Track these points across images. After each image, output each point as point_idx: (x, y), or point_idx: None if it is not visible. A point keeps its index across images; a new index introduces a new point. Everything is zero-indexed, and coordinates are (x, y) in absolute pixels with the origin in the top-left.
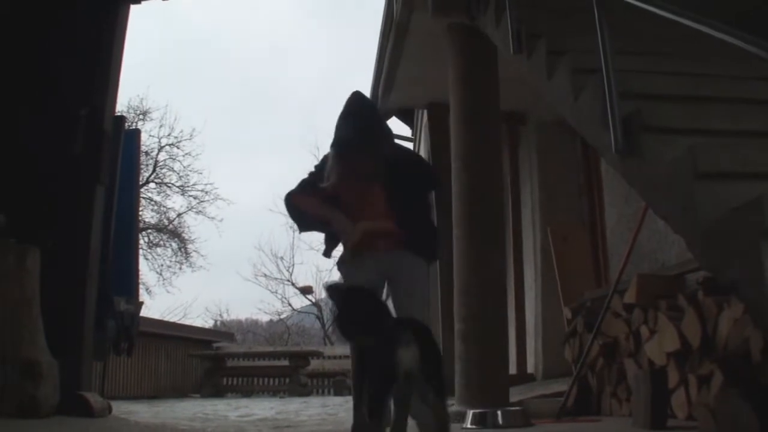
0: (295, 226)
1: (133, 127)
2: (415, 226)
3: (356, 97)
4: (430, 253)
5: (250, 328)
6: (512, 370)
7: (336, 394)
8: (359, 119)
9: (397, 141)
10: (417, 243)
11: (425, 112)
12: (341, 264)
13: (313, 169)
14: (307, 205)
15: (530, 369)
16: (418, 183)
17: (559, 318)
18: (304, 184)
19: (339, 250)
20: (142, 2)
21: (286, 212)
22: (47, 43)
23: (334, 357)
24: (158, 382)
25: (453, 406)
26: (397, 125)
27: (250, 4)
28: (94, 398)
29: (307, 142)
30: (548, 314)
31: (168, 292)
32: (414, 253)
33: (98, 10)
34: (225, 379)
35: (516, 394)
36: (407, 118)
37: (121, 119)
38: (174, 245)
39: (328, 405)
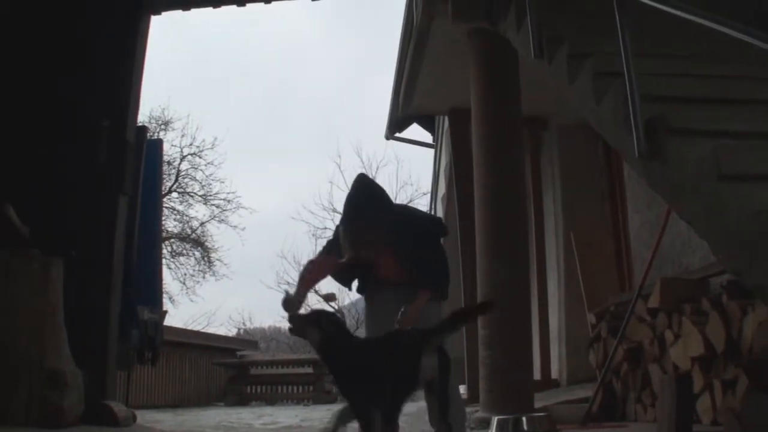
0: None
1: (156, 137)
2: (423, 269)
3: (358, 180)
4: (440, 292)
5: (273, 335)
6: (536, 375)
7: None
8: (361, 201)
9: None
10: (426, 282)
11: (446, 118)
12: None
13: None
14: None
15: (554, 374)
16: (422, 235)
17: (582, 323)
18: (327, 245)
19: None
20: (163, 13)
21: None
22: (70, 54)
23: None
24: (182, 391)
25: (478, 412)
26: (418, 132)
27: (269, 12)
28: (118, 407)
29: (328, 150)
30: (572, 319)
31: (191, 300)
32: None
33: (119, 22)
34: (249, 387)
35: (540, 400)
36: (428, 124)
37: (143, 129)
38: (197, 254)
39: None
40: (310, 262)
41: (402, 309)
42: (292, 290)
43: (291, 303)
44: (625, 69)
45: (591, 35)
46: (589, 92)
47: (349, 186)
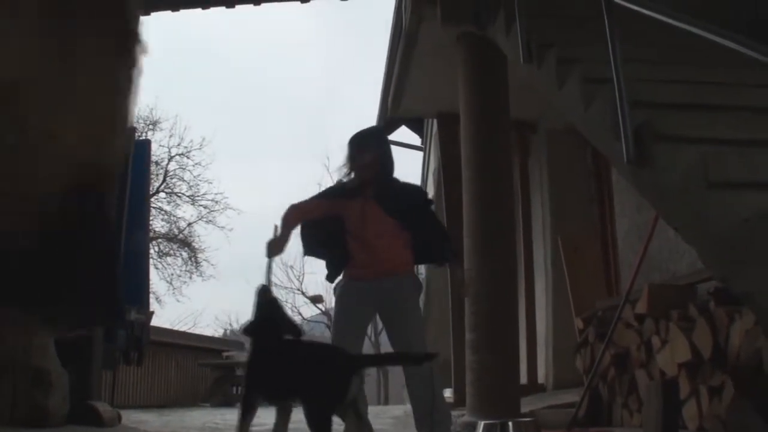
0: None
1: (144, 138)
2: (420, 228)
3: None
4: (442, 255)
5: None
6: (522, 380)
7: None
8: (366, 131)
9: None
10: (427, 247)
11: (435, 121)
12: (336, 289)
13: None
14: (302, 210)
15: (540, 379)
16: (412, 195)
17: (569, 328)
18: (316, 195)
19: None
20: (152, 13)
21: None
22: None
23: None
24: (168, 392)
25: (464, 416)
26: (407, 135)
27: (259, 14)
28: (103, 407)
29: (317, 152)
30: (559, 324)
31: (178, 301)
32: (427, 259)
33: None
34: (235, 388)
35: (527, 405)
36: (417, 127)
37: (132, 130)
38: (184, 254)
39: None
40: (292, 206)
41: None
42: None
43: (273, 246)
44: (614, 75)
45: (580, 41)
46: (577, 98)
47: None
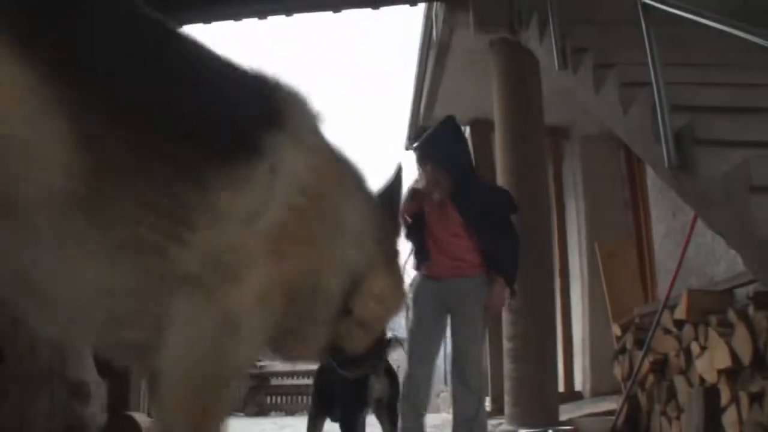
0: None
1: None
2: (492, 243)
3: (444, 120)
4: (508, 273)
5: None
6: (559, 387)
7: None
8: (423, 140)
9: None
10: (495, 261)
11: (468, 128)
12: (412, 286)
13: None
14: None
15: (578, 387)
16: (490, 200)
17: (606, 335)
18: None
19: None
20: (183, 27)
21: None
22: None
23: None
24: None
25: (502, 425)
26: None
27: (290, 24)
28: (141, 418)
29: None
30: (595, 331)
31: None
32: (494, 270)
33: None
34: (269, 398)
35: (565, 413)
36: None
37: None
38: None
39: (375, 423)
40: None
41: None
42: None
43: None
44: (653, 78)
45: (615, 45)
46: (615, 102)
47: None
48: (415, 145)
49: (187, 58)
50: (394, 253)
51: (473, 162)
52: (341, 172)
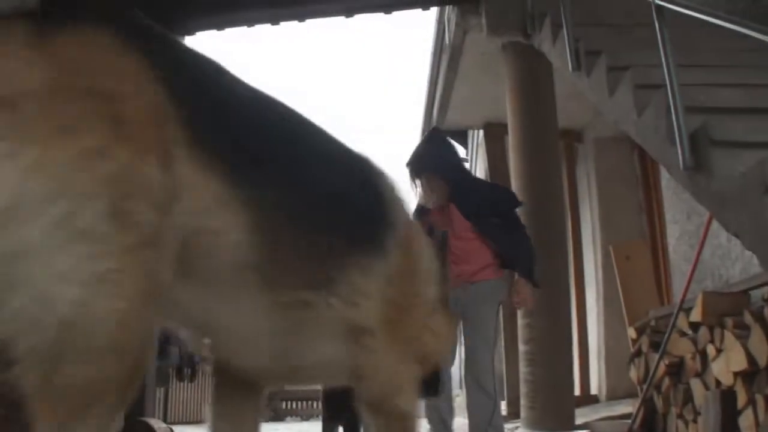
0: None
1: None
2: (503, 240)
3: (428, 133)
4: (524, 269)
5: None
6: (575, 391)
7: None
8: (419, 147)
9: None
10: (510, 259)
11: (481, 132)
12: None
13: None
14: None
15: (593, 390)
16: (491, 197)
17: (621, 338)
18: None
19: None
20: (197, 33)
21: None
22: None
23: None
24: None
25: (518, 429)
26: None
27: (303, 29)
28: (157, 424)
29: None
30: (610, 334)
31: None
32: (510, 268)
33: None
34: (284, 403)
35: (581, 417)
36: (461, 138)
37: None
38: None
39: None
40: None
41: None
42: None
43: None
44: (667, 80)
45: (628, 47)
46: (629, 104)
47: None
48: (406, 163)
49: (319, 151)
50: (446, 298)
51: (465, 165)
52: (419, 238)
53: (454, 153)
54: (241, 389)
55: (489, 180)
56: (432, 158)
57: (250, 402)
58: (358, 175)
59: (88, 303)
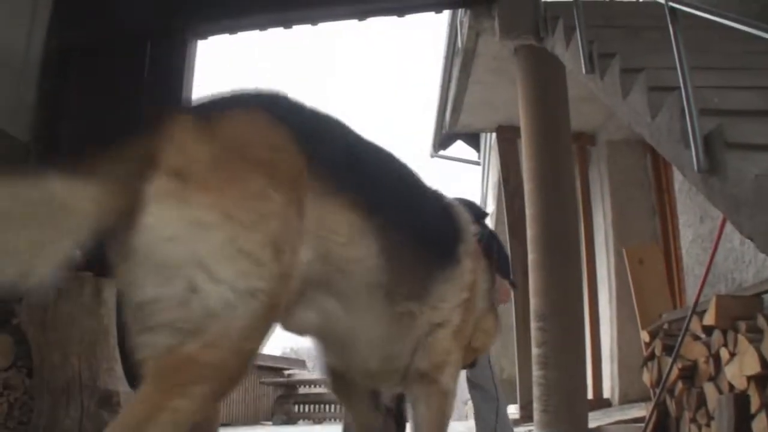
0: None
1: None
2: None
3: None
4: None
5: None
6: (588, 394)
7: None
8: None
9: None
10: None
11: (493, 135)
12: None
13: None
14: None
15: (606, 393)
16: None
17: (634, 341)
18: None
19: None
20: (209, 37)
21: None
22: (122, 81)
23: None
24: (231, 410)
25: (532, 431)
26: (463, 150)
27: (315, 32)
28: None
29: None
30: (623, 337)
31: None
32: None
33: (168, 48)
34: (297, 407)
35: (593, 420)
36: (473, 141)
37: None
38: None
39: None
40: None
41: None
42: None
43: None
44: (681, 83)
45: (641, 50)
46: (643, 107)
47: None
48: None
49: (414, 183)
50: (494, 298)
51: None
52: (478, 250)
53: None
54: (354, 388)
55: (503, 184)
56: None
57: (364, 397)
58: (439, 204)
59: (237, 309)
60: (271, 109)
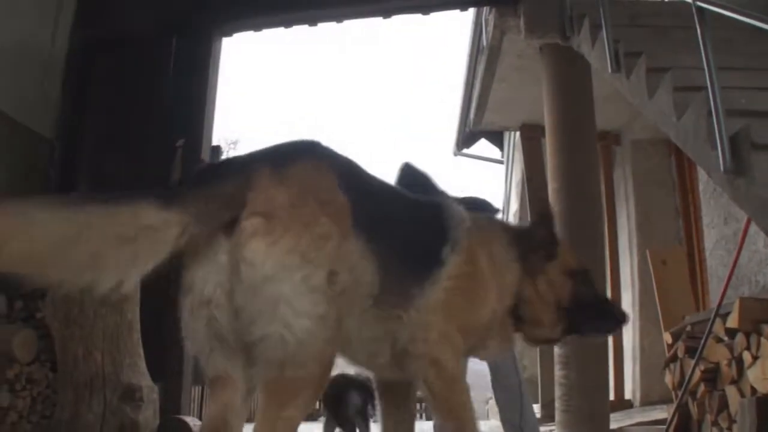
0: None
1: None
2: None
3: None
4: None
5: None
6: (610, 395)
7: (428, 418)
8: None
9: None
10: None
11: (517, 133)
12: None
13: None
14: None
15: (627, 395)
16: None
17: (657, 343)
18: None
19: None
20: (234, 35)
21: None
22: (146, 78)
23: None
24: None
25: (553, 431)
26: (486, 148)
27: (340, 30)
28: (193, 422)
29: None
30: (646, 338)
31: None
32: None
33: (193, 45)
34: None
35: (615, 422)
36: (496, 140)
37: (217, 149)
38: None
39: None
40: None
41: None
42: None
43: None
44: (708, 83)
45: (668, 49)
46: (669, 106)
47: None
48: None
49: (405, 205)
50: (539, 263)
51: None
52: (486, 241)
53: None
54: (395, 394)
55: (527, 183)
56: None
57: (403, 403)
58: (429, 215)
59: (314, 332)
60: (323, 159)
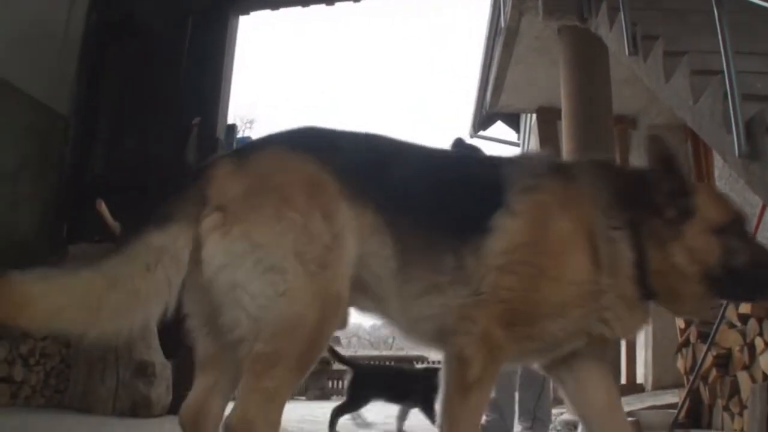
0: None
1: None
2: None
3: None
4: None
5: (354, 332)
6: (622, 380)
7: None
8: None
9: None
10: None
11: (533, 116)
12: None
13: None
14: None
15: (639, 379)
16: None
17: (669, 327)
18: None
19: None
20: (251, 13)
21: None
22: (163, 56)
23: (440, 361)
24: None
25: (564, 414)
26: (502, 130)
27: (357, 11)
28: None
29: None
30: (658, 323)
31: None
32: None
33: (209, 23)
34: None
35: (626, 405)
36: (513, 122)
37: (233, 128)
38: None
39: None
40: None
41: None
42: None
43: None
44: (724, 67)
45: (685, 33)
46: (686, 90)
47: None
48: None
49: (430, 165)
50: (669, 227)
51: None
52: (569, 204)
53: None
54: (589, 360)
55: None
56: None
57: (599, 366)
58: (463, 173)
59: (274, 310)
60: (294, 143)
